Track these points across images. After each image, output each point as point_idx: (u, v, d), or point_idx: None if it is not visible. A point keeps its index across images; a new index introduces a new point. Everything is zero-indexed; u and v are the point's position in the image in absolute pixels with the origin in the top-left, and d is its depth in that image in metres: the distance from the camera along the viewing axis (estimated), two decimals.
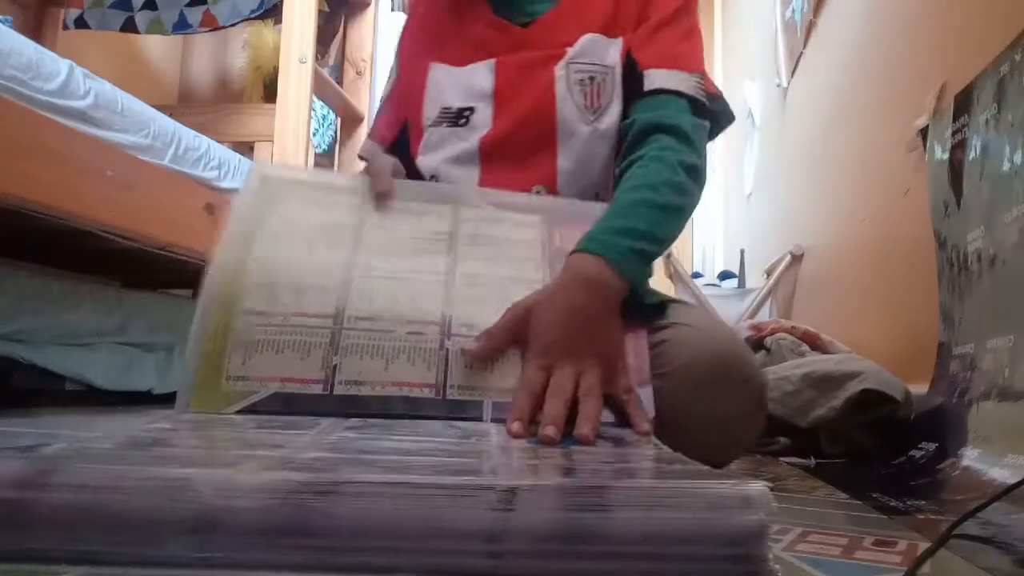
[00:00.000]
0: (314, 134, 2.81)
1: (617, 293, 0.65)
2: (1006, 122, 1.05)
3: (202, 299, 0.64)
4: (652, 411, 0.62)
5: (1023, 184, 0.98)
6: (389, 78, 0.98)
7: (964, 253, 1.15)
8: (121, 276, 1.70)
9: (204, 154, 1.67)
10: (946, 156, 1.26)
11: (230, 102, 2.83)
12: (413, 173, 0.87)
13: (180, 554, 0.30)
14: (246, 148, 2.40)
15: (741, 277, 2.84)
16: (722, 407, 0.66)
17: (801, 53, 2.35)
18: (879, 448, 1.21)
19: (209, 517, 0.30)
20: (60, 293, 1.45)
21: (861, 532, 0.62)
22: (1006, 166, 1.03)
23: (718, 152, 3.68)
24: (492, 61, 0.85)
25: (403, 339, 0.63)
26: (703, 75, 0.83)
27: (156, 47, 2.88)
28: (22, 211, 1.14)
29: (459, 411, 0.61)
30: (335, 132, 3.03)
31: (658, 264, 2.67)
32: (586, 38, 0.83)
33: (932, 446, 1.09)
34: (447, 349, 0.63)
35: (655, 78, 0.81)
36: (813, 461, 1.22)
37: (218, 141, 1.76)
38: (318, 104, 2.69)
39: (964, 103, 1.21)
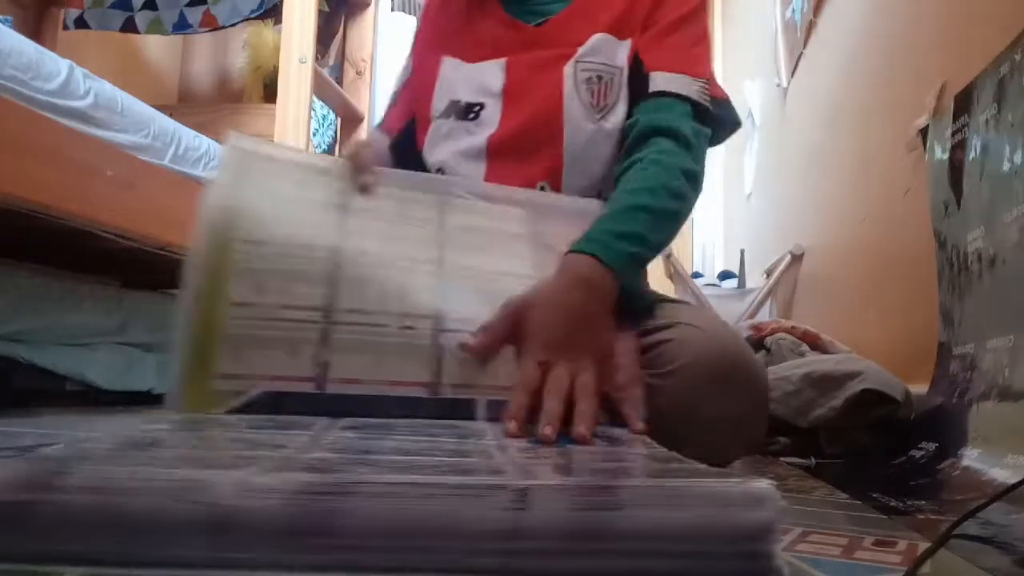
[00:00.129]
0: (314, 134, 2.81)
1: (611, 294, 0.66)
2: (1006, 122, 1.05)
3: (185, 291, 0.62)
4: (643, 410, 0.62)
5: (1023, 184, 0.98)
6: (402, 71, 0.99)
7: (964, 253, 1.15)
8: (121, 276, 1.70)
9: (204, 154, 1.67)
10: (946, 156, 1.26)
11: (230, 102, 2.84)
12: (418, 165, 0.87)
13: (195, 555, 0.30)
14: None
15: (741, 277, 2.83)
16: (726, 407, 0.66)
17: (801, 53, 2.35)
18: (879, 448, 1.21)
19: (226, 518, 0.30)
20: (60, 293, 1.46)
21: (861, 532, 0.62)
22: (1006, 166, 1.03)
23: (718, 152, 3.68)
24: (503, 60, 0.86)
25: (395, 334, 0.62)
26: (709, 80, 0.83)
27: (156, 47, 2.88)
28: (22, 211, 1.15)
29: (453, 409, 0.60)
30: (335, 132, 3.03)
31: (658, 264, 2.67)
32: (597, 37, 0.83)
33: (932, 446, 1.09)
34: (440, 345, 0.62)
35: (659, 81, 0.81)
36: (813, 461, 1.22)
37: (218, 141, 1.76)
38: (318, 104, 2.70)
39: (964, 103, 1.21)
